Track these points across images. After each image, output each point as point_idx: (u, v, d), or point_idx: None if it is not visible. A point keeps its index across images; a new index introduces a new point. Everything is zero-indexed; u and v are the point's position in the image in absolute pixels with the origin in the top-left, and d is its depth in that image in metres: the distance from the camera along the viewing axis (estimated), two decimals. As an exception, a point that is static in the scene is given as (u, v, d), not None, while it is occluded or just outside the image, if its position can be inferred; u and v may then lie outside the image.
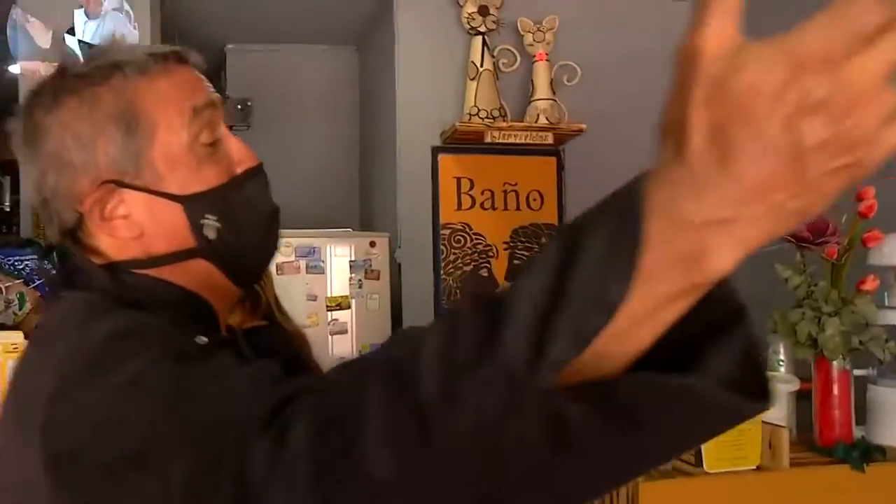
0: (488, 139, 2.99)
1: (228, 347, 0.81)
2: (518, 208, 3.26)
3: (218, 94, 0.89)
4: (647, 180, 0.54)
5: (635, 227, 0.51)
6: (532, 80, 3.11)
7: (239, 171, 0.87)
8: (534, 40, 3.10)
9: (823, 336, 2.02)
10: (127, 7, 2.98)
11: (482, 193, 3.22)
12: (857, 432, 2.13)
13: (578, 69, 3.15)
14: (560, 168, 3.28)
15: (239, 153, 0.88)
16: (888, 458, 2.01)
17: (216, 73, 4.52)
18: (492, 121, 2.99)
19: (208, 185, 0.84)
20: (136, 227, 0.83)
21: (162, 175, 0.83)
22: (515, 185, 3.25)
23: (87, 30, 2.91)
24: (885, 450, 2.04)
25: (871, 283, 2.13)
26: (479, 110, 2.99)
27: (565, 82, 3.16)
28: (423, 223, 3.19)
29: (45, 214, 0.86)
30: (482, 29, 3.05)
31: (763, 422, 1.90)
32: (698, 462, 1.86)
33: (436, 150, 3.17)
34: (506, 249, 3.25)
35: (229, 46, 4.31)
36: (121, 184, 0.82)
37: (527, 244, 3.26)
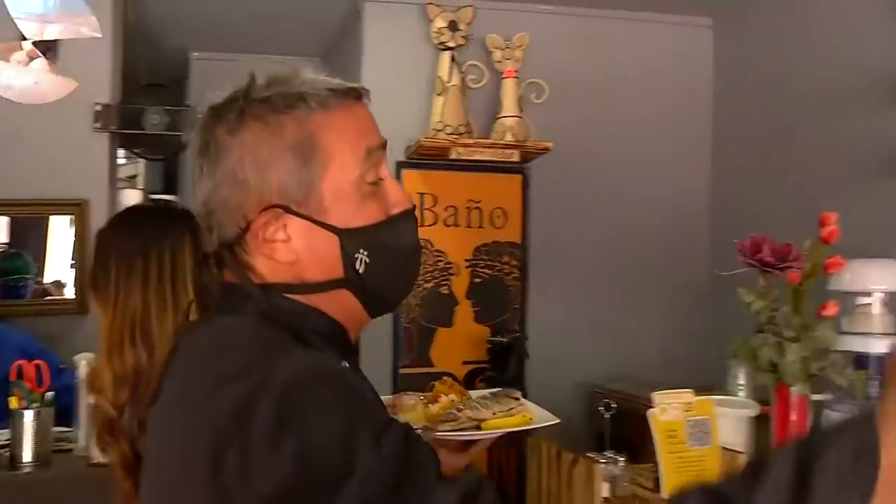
0: (453, 155, 2.97)
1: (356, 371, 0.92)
2: (481, 226, 3.23)
3: (384, 137, 0.95)
4: (879, 416, 0.68)
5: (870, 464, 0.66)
6: (500, 97, 3.09)
7: (394, 211, 0.94)
8: (503, 57, 3.08)
9: (784, 361, 2.02)
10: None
11: (445, 210, 3.19)
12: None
13: (546, 87, 3.14)
14: (525, 186, 3.26)
15: (396, 195, 0.94)
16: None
17: (179, 82, 4.46)
18: (457, 137, 2.97)
19: (366, 221, 0.91)
20: (294, 252, 0.90)
21: (327, 207, 0.89)
22: (479, 202, 3.23)
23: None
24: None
25: (831, 309, 2.13)
26: (444, 126, 2.97)
27: (533, 100, 3.15)
28: (386, 239, 3.15)
29: (206, 223, 0.92)
30: (451, 44, 3.03)
31: (721, 447, 1.89)
32: (657, 488, 1.84)
33: (400, 165, 3.14)
34: (467, 267, 3.22)
35: (194, 54, 4.25)
36: (288, 209, 0.88)
37: (489, 262, 3.24)
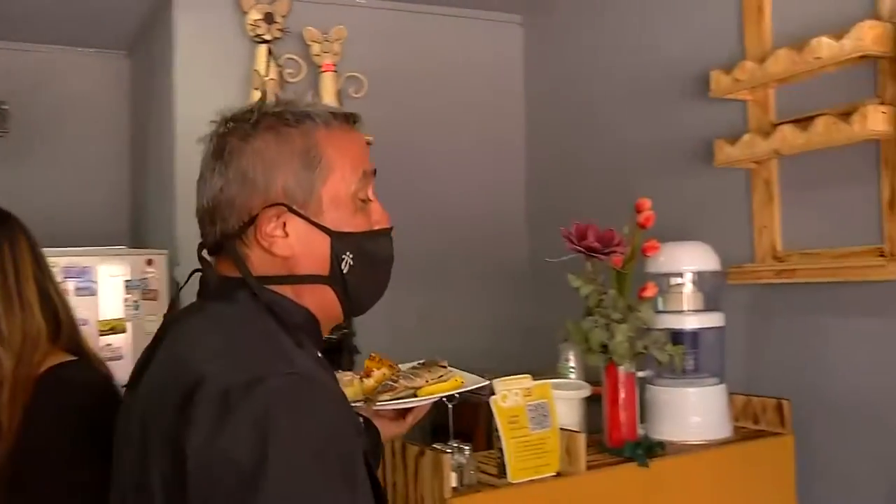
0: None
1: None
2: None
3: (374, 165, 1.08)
4: None
5: None
6: (318, 91, 3.05)
7: (377, 227, 1.08)
8: (321, 51, 3.04)
9: (613, 342, 2.11)
10: None
11: (268, 207, 3.11)
12: (640, 430, 2.25)
13: (365, 81, 3.13)
14: (347, 181, 3.23)
15: (379, 214, 1.09)
16: (668, 452, 2.14)
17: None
18: (278, 133, 2.90)
19: (355, 229, 1.04)
20: (290, 247, 1.01)
21: (323, 211, 1.01)
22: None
23: None
24: (665, 444, 2.17)
25: (650, 290, 2.25)
26: (264, 121, 2.88)
27: (352, 94, 3.13)
28: (205, 239, 3.02)
29: (210, 216, 1.03)
30: (267, 37, 2.95)
31: (560, 428, 1.95)
32: (502, 473, 1.88)
33: (218, 163, 3.02)
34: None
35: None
36: (290, 209, 1.00)
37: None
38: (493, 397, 1.88)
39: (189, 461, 0.84)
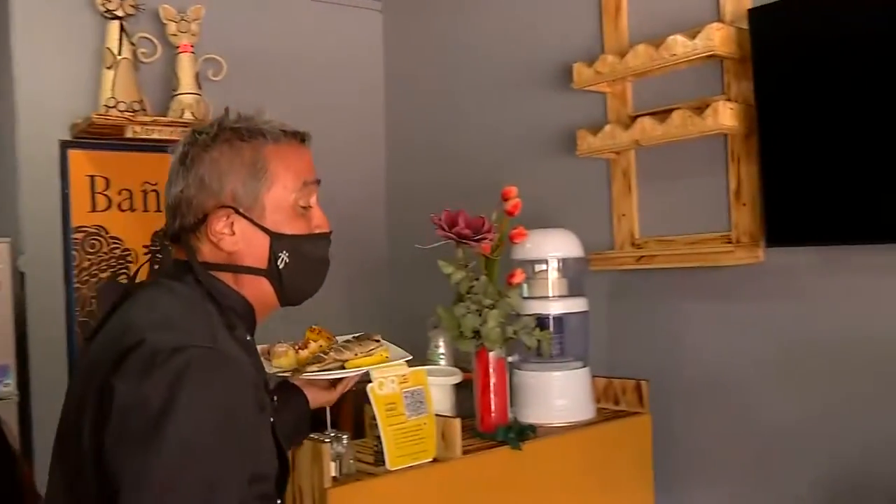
0: (129, 134, 2.75)
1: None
2: (159, 209, 3.03)
3: (319, 177, 1.27)
4: None
5: None
6: (176, 73, 2.92)
7: (315, 231, 1.26)
8: (177, 30, 2.91)
9: (486, 328, 2.14)
10: None
11: (119, 193, 2.95)
12: (510, 414, 2.30)
13: (225, 64, 3.02)
14: (205, 167, 3.12)
15: (319, 220, 1.27)
16: (539, 435, 2.20)
17: None
18: (133, 114, 2.75)
19: (293, 231, 1.22)
20: (235, 244, 1.19)
21: (266, 214, 1.20)
22: (156, 184, 3.03)
23: None
24: (535, 428, 2.23)
25: (518, 277, 2.30)
26: (117, 102, 2.73)
27: (211, 77, 3.02)
28: (52, 226, 2.84)
29: (172, 212, 1.21)
30: (119, 13, 2.79)
31: (435, 414, 1.96)
32: (380, 461, 1.87)
33: (65, 145, 2.85)
34: (146, 254, 3.02)
35: None
36: (237, 211, 1.18)
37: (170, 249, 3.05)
38: (370, 385, 1.87)
39: (113, 404, 1.01)
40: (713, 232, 2.41)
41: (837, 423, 2.18)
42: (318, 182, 1.26)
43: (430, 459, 1.93)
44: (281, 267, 1.22)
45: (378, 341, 1.61)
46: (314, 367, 1.54)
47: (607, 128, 2.52)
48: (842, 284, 2.16)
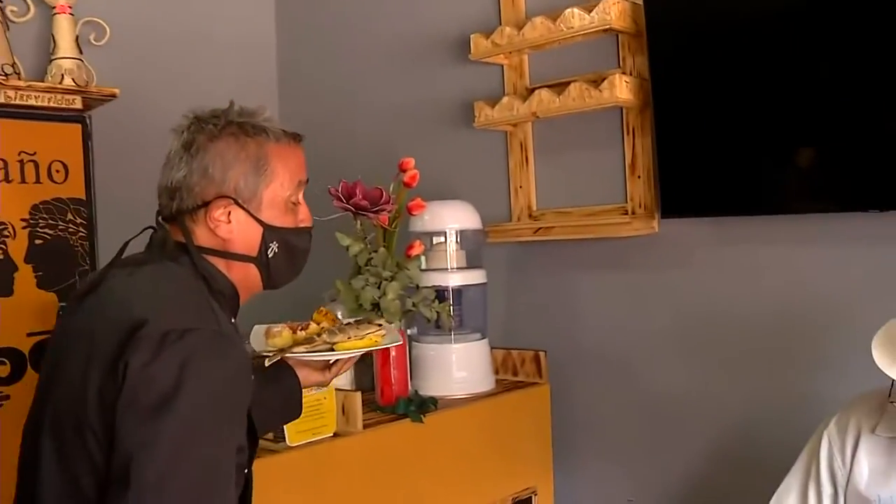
0: (2, 99, 2.57)
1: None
2: (38, 181, 2.85)
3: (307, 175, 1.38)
4: None
5: None
6: (53, 35, 2.74)
7: (301, 225, 1.37)
8: (54, -11, 2.73)
9: (385, 300, 2.11)
10: None
11: (-8, 163, 2.77)
12: (411, 387, 2.29)
13: (108, 28, 2.86)
14: (86, 137, 2.95)
15: (305, 215, 1.38)
16: (439, 408, 2.19)
17: None
18: (4, 77, 2.58)
19: (283, 225, 1.33)
20: (230, 231, 1.28)
21: (262, 208, 1.29)
22: (34, 154, 2.84)
23: None
24: (436, 400, 2.22)
25: (417, 248, 2.28)
26: (-13, 65, 2.55)
27: (93, 41, 2.86)
28: (-85, 199, 2.64)
29: (170, 193, 1.29)
30: (-13, -31, 2.60)
31: (336, 389, 1.93)
32: (280, 437, 1.82)
33: (-71, 111, 2.64)
34: (25, 228, 2.84)
35: None
36: (236, 202, 1.27)
37: (50, 221, 2.88)
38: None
39: (126, 380, 1.09)
40: (609, 204, 2.45)
41: (726, 391, 2.26)
42: (307, 182, 1.38)
43: (331, 434, 1.90)
44: (270, 256, 1.32)
45: (379, 325, 1.62)
46: (302, 349, 1.56)
47: (505, 100, 2.52)
48: (733, 255, 2.23)
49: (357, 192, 2.18)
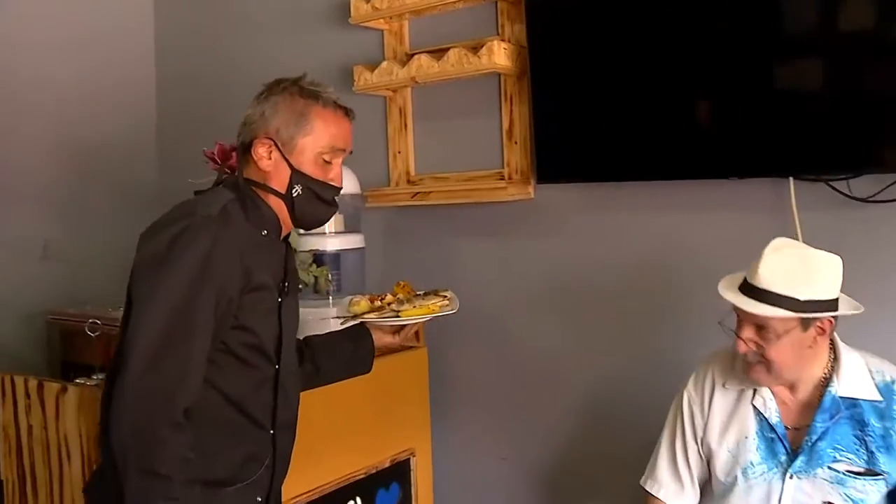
0: None
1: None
2: None
3: (351, 147, 1.62)
4: None
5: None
6: None
7: (329, 181, 1.58)
8: None
9: (264, 264, 2.07)
10: None
11: None
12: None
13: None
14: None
15: (336, 175, 1.59)
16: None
17: None
18: None
19: (309, 173, 1.55)
20: (268, 165, 1.54)
21: (294, 154, 1.54)
22: None
23: None
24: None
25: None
26: None
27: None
28: None
29: (241, 129, 1.59)
30: None
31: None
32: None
33: None
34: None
35: None
36: (274, 143, 1.54)
37: None
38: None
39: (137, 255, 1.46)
40: (486, 169, 2.49)
41: (596, 351, 2.35)
42: (348, 152, 1.60)
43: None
44: (294, 195, 1.54)
45: (444, 297, 1.86)
46: (374, 315, 1.83)
47: (384, 64, 2.51)
48: (603, 220, 2.31)
49: (233, 154, 2.13)
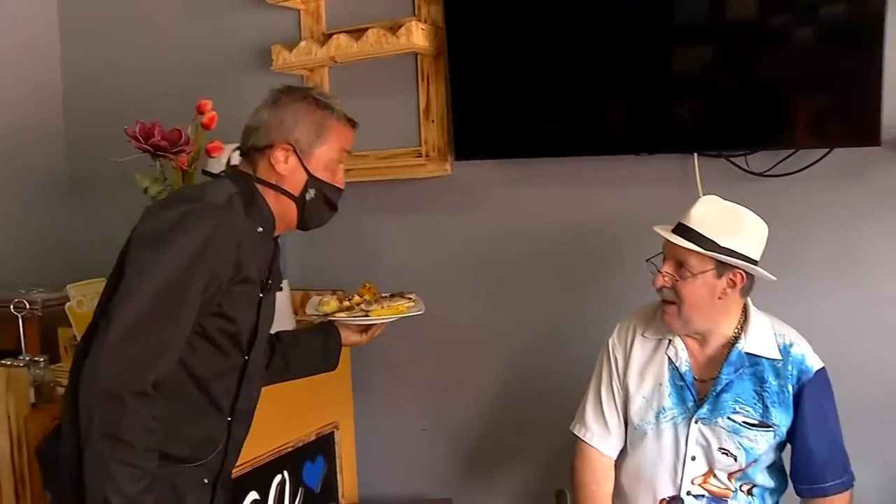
0: None
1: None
2: None
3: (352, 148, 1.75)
4: None
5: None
6: None
7: (335, 183, 1.70)
8: None
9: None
10: None
11: None
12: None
13: None
14: None
15: (340, 177, 1.72)
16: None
17: None
18: None
19: (323, 178, 1.66)
20: (284, 169, 1.63)
21: (312, 161, 1.65)
22: None
23: None
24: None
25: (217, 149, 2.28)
26: None
27: None
28: None
29: (247, 132, 1.67)
30: None
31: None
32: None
33: None
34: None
35: None
36: (295, 150, 1.63)
37: None
38: (68, 304, 1.78)
39: (136, 229, 1.52)
40: (404, 147, 2.55)
41: (514, 321, 2.45)
42: (350, 152, 1.73)
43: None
44: (308, 199, 1.65)
45: (409, 299, 1.99)
46: (343, 314, 1.94)
47: (303, 44, 2.53)
48: (519, 195, 2.40)
49: (155, 132, 2.13)
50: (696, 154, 2.11)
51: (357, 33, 2.44)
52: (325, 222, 1.75)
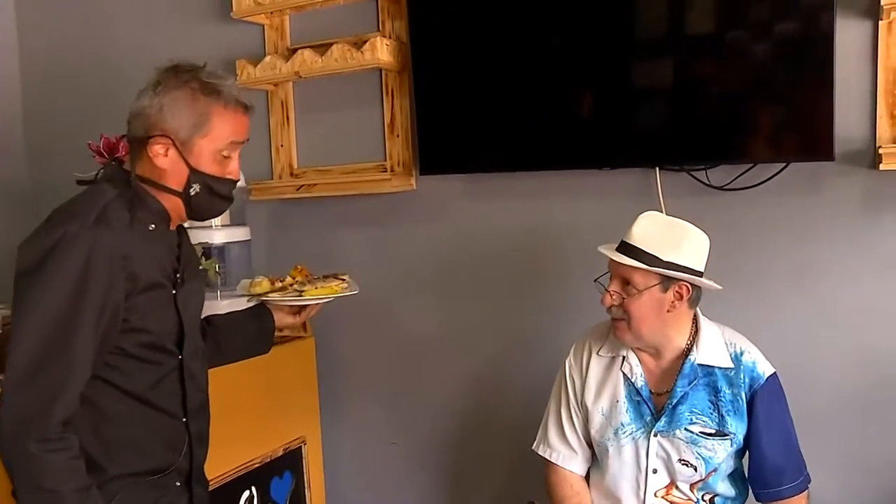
0: None
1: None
2: None
3: (248, 137, 1.61)
4: None
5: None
6: None
7: (227, 176, 1.58)
8: None
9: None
10: None
11: None
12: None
13: None
14: None
15: (233, 169, 1.58)
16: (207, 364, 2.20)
17: None
18: None
19: (207, 171, 1.54)
20: (163, 163, 1.52)
21: (193, 153, 1.52)
22: None
23: None
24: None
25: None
26: None
27: None
28: None
29: (129, 120, 1.55)
30: None
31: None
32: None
33: None
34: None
35: None
36: (174, 142, 1.51)
37: None
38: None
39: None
40: (369, 162, 2.56)
41: (479, 333, 2.47)
42: (243, 143, 1.59)
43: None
44: (192, 193, 1.54)
45: (343, 280, 1.93)
46: (277, 295, 1.87)
47: (268, 59, 2.54)
48: (483, 208, 2.43)
49: (120, 147, 2.12)
50: (657, 168, 2.15)
51: (322, 48, 2.46)
52: (219, 213, 1.67)
